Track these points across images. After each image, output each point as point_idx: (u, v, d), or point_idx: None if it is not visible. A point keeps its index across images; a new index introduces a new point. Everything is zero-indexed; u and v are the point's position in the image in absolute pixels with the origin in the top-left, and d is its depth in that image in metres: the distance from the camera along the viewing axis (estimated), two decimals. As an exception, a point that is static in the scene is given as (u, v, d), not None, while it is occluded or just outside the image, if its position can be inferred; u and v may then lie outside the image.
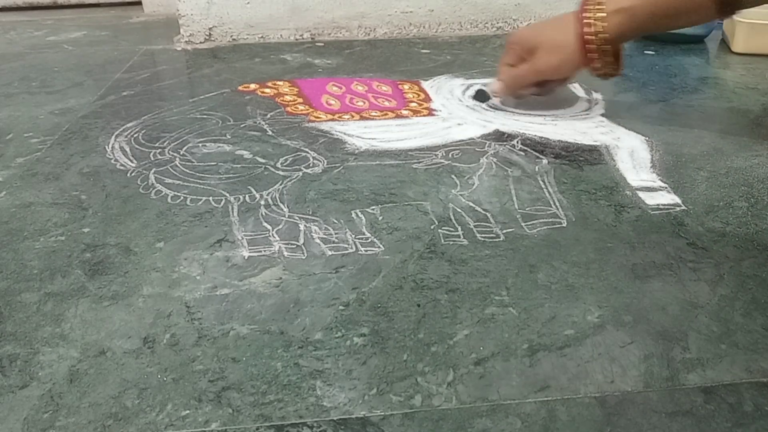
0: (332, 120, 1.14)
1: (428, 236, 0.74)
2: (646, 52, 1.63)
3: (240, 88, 1.35)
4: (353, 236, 0.74)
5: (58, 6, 2.57)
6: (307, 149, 1.01)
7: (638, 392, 0.50)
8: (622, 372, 0.52)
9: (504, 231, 0.75)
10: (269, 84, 1.37)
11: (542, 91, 1.06)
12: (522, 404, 0.49)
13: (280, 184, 0.88)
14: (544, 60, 0.92)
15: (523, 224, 0.76)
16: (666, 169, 0.91)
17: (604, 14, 0.83)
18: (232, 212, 0.80)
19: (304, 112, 1.18)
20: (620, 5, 0.82)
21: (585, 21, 0.84)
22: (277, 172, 0.92)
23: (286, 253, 0.71)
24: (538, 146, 1.01)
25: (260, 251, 0.71)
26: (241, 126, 1.11)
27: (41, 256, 0.71)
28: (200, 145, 1.03)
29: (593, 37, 0.84)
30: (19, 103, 1.28)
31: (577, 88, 1.27)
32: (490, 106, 1.15)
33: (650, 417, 0.47)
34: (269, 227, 0.77)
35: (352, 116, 1.16)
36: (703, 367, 0.52)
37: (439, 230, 0.75)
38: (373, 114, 1.16)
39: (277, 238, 0.74)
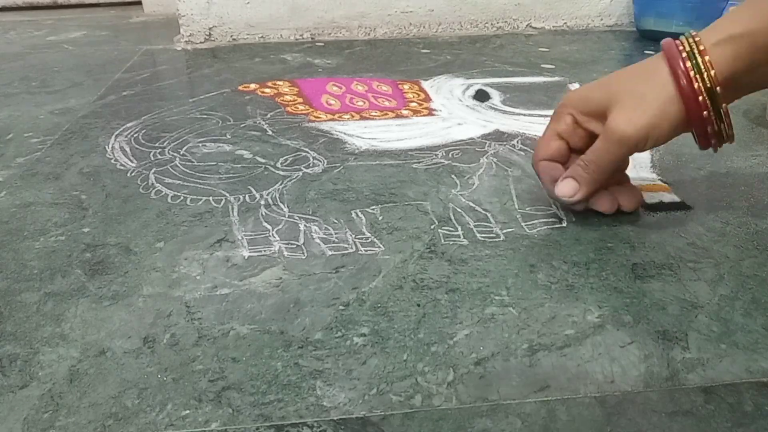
0: (332, 120, 1.14)
1: (428, 236, 0.74)
2: (646, 52, 1.63)
3: (240, 87, 1.35)
4: (353, 236, 0.74)
5: (58, 6, 2.57)
6: (307, 149, 1.01)
7: (638, 392, 0.50)
8: (622, 372, 0.52)
9: (504, 231, 0.75)
10: (269, 84, 1.37)
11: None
12: (522, 404, 0.49)
13: (280, 184, 0.88)
14: (624, 119, 0.59)
15: (523, 224, 0.76)
16: (666, 169, 0.91)
17: (705, 46, 0.57)
18: (232, 212, 0.80)
19: (304, 111, 1.18)
20: (728, 32, 0.56)
21: (682, 56, 0.58)
22: (277, 171, 0.92)
23: (286, 253, 0.71)
24: (538, 146, 1.01)
25: (260, 251, 0.71)
26: (241, 126, 1.11)
27: (41, 256, 0.71)
28: (200, 145, 1.03)
29: (697, 77, 0.57)
30: (19, 103, 1.28)
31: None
32: (490, 106, 1.15)
33: (650, 417, 0.47)
34: (269, 227, 0.77)
35: (352, 116, 1.16)
36: (703, 367, 0.52)
37: (439, 230, 0.75)
38: (373, 114, 1.16)
39: (277, 238, 0.74)
